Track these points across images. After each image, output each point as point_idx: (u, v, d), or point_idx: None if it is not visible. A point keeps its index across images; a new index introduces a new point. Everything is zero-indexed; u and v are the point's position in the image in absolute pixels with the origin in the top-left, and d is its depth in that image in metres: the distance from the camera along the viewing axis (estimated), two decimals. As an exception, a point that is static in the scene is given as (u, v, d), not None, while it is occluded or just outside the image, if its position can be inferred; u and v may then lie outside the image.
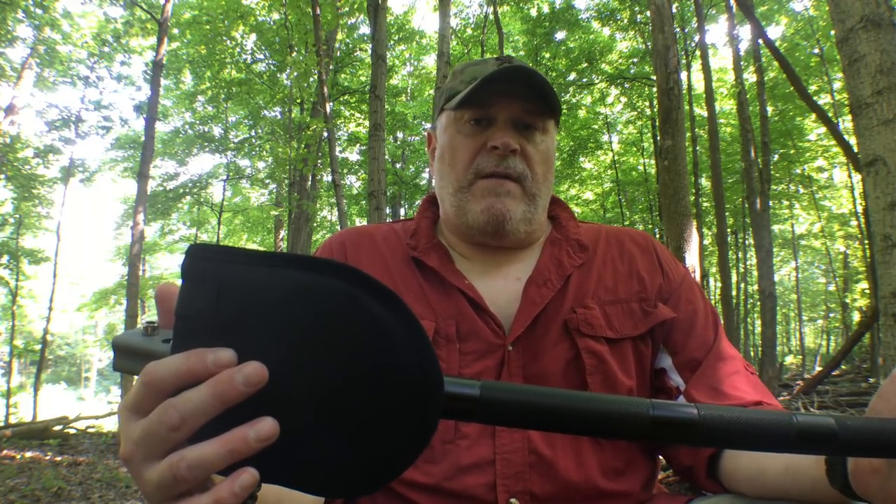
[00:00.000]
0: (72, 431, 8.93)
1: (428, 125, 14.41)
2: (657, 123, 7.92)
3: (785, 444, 0.36)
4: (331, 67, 11.25)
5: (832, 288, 17.46)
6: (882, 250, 2.52)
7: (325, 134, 8.17)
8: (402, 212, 16.58)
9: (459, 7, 13.50)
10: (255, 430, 0.33)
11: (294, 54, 10.88)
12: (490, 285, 0.83)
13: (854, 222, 13.37)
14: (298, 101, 11.83)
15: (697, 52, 10.40)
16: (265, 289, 0.34)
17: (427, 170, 15.81)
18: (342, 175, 12.83)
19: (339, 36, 12.20)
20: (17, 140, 11.26)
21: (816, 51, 11.99)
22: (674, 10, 7.50)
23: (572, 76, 13.12)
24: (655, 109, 9.89)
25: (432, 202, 0.95)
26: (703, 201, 12.69)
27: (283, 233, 13.23)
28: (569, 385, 0.77)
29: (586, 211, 15.84)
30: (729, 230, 12.80)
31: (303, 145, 10.17)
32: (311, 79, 9.46)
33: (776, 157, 12.88)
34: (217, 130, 13.77)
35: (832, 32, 5.20)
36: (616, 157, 15.16)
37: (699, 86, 10.91)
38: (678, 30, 10.47)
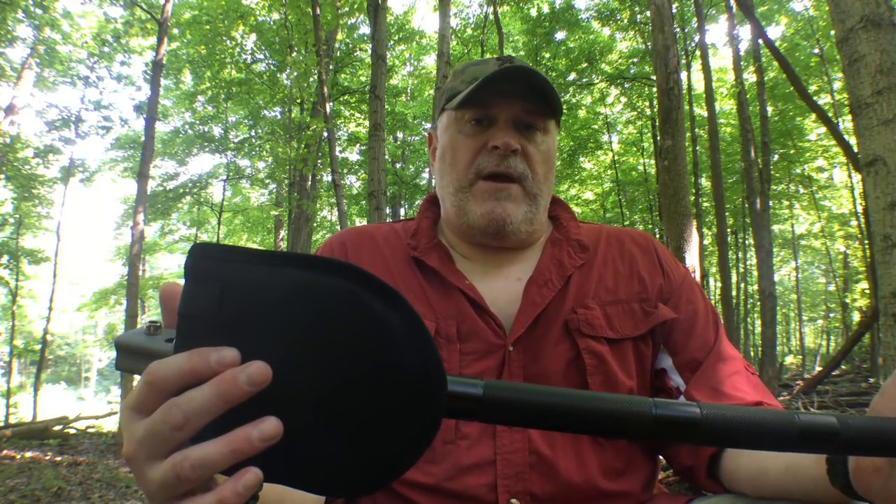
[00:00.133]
0: (72, 431, 8.94)
1: (428, 125, 14.42)
2: (657, 123, 7.92)
3: (787, 444, 0.36)
4: (331, 67, 11.25)
5: (832, 288, 17.46)
6: (882, 250, 2.53)
7: (325, 134, 8.17)
8: (402, 212, 16.58)
9: (459, 7, 13.51)
10: (258, 430, 0.33)
11: (294, 54, 10.88)
12: (491, 285, 0.83)
13: (854, 222, 13.37)
14: (298, 101, 11.82)
15: (697, 52, 10.40)
16: (268, 288, 0.34)
17: (427, 170, 15.82)
18: (342, 175, 12.82)
19: (339, 36, 12.20)
20: (17, 140, 11.25)
21: (816, 51, 11.99)
22: (674, 10, 7.50)
23: (572, 76, 13.12)
24: (655, 109, 9.89)
25: (433, 202, 0.95)
26: (703, 201, 12.69)
27: (283, 233, 13.23)
28: (569, 385, 0.77)
29: (586, 211, 15.84)
30: (729, 230, 12.80)
31: (303, 145, 10.16)
32: (311, 79, 9.46)
33: (776, 157, 12.88)
34: (217, 130, 13.76)
35: (832, 32, 5.20)
36: (616, 157, 15.16)
37: (699, 86, 10.91)
38: (678, 30, 10.47)
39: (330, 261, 0.35)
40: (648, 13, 7.12)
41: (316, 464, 0.35)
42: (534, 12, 12.53)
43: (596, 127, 14.67)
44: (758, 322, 12.42)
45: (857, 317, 14.60)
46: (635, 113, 14.17)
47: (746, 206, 10.79)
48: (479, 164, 0.83)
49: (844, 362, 9.27)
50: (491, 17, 11.83)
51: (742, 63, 10.31)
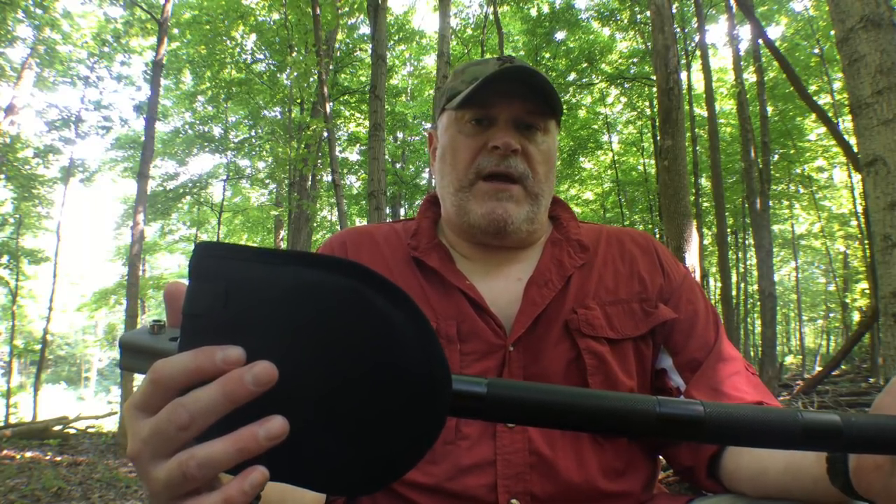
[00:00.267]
0: (72, 431, 8.94)
1: (428, 125, 14.42)
2: (657, 123, 7.92)
3: (790, 442, 0.36)
4: (331, 67, 11.24)
5: (832, 288, 17.46)
6: (882, 250, 2.52)
7: (325, 134, 8.17)
8: (402, 212, 16.58)
9: (459, 7, 13.51)
10: (264, 429, 0.33)
11: (294, 54, 10.88)
12: (491, 286, 0.83)
13: (854, 222, 13.37)
14: (298, 101, 11.82)
15: (697, 52, 10.40)
16: (273, 286, 0.34)
17: (427, 170, 15.82)
18: (342, 175, 12.82)
19: (339, 36, 12.20)
20: (17, 140, 11.25)
21: (816, 51, 11.99)
22: (674, 10, 7.50)
23: (572, 76, 13.11)
24: (655, 109, 9.89)
25: (433, 202, 0.95)
26: (703, 201, 12.68)
27: (283, 233, 13.23)
28: (570, 385, 0.77)
29: (586, 211, 15.84)
30: (729, 230, 12.80)
31: (303, 145, 10.16)
32: (311, 79, 9.46)
33: (776, 157, 12.88)
34: (217, 130, 13.76)
35: (832, 32, 5.20)
36: (616, 157, 15.16)
37: (699, 86, 10.91)
38: (678, 30, 10.47)
39: (335, 259, 0.35)
40: (648, 13, 7.12)
41: (320, 462, 0.35)
42: (534, 12, 12.53)
43: (596, 127, 14.67)
44: (758, 322, 12.42)
45: (857, 317, 14.60)
46: (635, 113, 14.17)
47: (746, 206, 10.79)
48: (480, 164, 0.83)
49: (844, 362, 9.28)
50: (491, 17, 11.83)
51: (742, 63, 10.31)
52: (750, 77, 11.33)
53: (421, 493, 0.73)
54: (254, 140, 13.96)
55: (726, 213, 10.45)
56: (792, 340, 22.73)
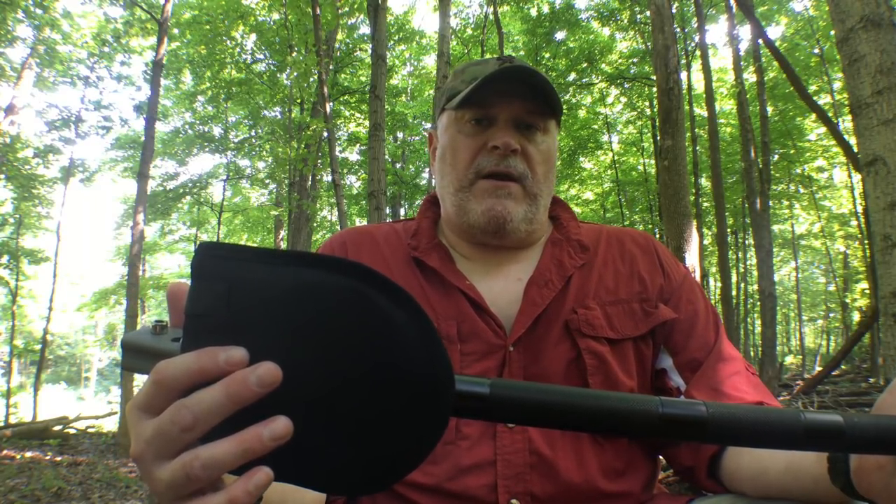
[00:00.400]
0: (72, 431, 8.94)
1: (428, 125, 14.42)
2: (657, 123, 7.92)
3: (793, 442, 0.36)
4: (331, 67, 11.24)
5: (832, 288, 17.46)
6: (882, 250, 2.52)
7: (325, 134, 8.17)
8: (402, 212, 16.58)
9: (459, 7, 13.50)
10: (269, 430, 0.33)
11: (294, 54, 10.87)
12: (491, 286, 0.83)
13: (854, 222, 13.37)
14: (298, 101, 11.82)
15: (697, 52, 10.40)
16: (275, 286, 0.34)
17: (427, 170, 15.82)
18: (342, 175, 12.82)
19: (339, 36, 12.20)
20: (17, 140, 11.25)
21: (816, 51, 11.99)
22: (674, 10, 7.50)
23: (572, 76, 13.11)
24: (655, 109, 9.89)
25: (433, 202, 0.95)
26: (703, 201, 12.69)
27: (283, 233, 13.23)
28: (570, 385, 0.77)
29: (586, 211, 15.84)
30: (729, 230, 12.80)
31: (303, 145, 10.16)
32: (311, 79, 9.46)
33: (776, 157, 12.88)
34: (217, 130, 13.76)
35: (832, 32, 5.20)
36: (616, 157, 15.16)
37: (699, 86, 10.91)
38: (678, 30, 10.47)
39: (337, 259, 0.35)
40: (648, 13, 7.12)
41: (323, 463, 0.35)
42: (534, 12, 12.52)
43: (596, 127, 14.67)
44: (758, 322, 12.42)
45: (857, 317, 14.60)
46: (635, 113, 14.17)
47: (746, 206, 10.79)
48: (479, 163, 0.83)
49: (844, 362, 9.28)
50: (491, 17, 11.83)
51: (742, 63, 10.31)
52: (750, 77, 11.33)
53: (421, 494, 0.73)
54: (254, 140, 13.96)
55: (726, 213, 10.45)
56: (792, 340, 22.74)
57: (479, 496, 0.71)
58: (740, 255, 15.22)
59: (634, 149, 15.55)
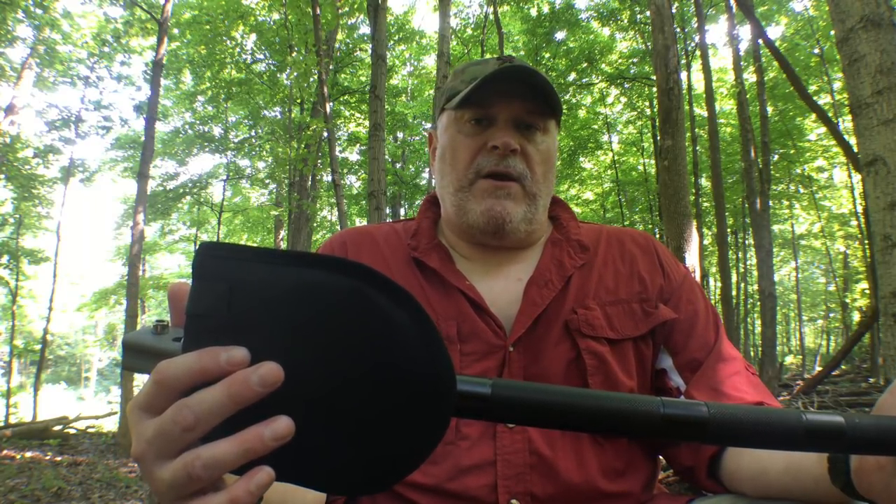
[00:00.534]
0: (72, 431, 8.94)
1: (428, 125, 14.42)
2: (657, 123, 7.92)
3: (794, 443, 0.36)
4: (331, 67, 11.24)
5: (832, 288, 17.45)
6: (882, 250, 2.52)
7: (325, 134, 8.17)
8: (402, 212, 16.58)
9: (459, 7, 13.50)
10: (270, 430, 0.33)
11: (294, 54, 10.87)
12: (491, 286, 0.83)
13: (854, 222, 13.37)
14: (298, 101, 11.82)
15: (697, 52, 10.40)
16: (276, 286, 0.34)
17: (427, 170, 15.82)
18: (342, 175, 12.82)
19: (339, 36, 12.19)
20: (17, 140, 11.25)
21: (816, 51, 11.99)
22: (674, 10, 7.50)
23: (572, 76, 13.11)
24: (655, 109, 9.89)
25: (433, 202, 0.95)
26: (703, 201, 12.68)
27: (283, 233, 13.23)
28: (570, 386, 0.77)
29: (586, 211, 15.84)
30: (729, 230, 12.80)
31: (303, 145, 10.16)
32: (311, 79, 9.46)
33: (776, 157, 12.88)
34: (217, 130, 13.75)
35: (832, 32, 5.20)
36: (616, 157, 15.16)
37: (699, 86, 10.91)
38: (678, 30, 10.47)
39: (338, 259, 0.35)
40: (648, 13, 7.12)
41: (324, 463, 0.36)
42: (534, 12, 12.52)
43: (596, 127, 14.67)
44: (758, 322, 12.42)
45: (857, 317, 14.60)
46: (635, 113, 14.17)
47: (746, 206, 10.79)
48: (479, 163, 0.83)
49: (844, 362, 9.28)
50: (491, 17, 11.83)
51: (742, 63, 10.31)
52: (750, 77, 11.33)
53: (421, 494, 0.73)
54: (254, 140, 13.96)
55: (726, 213, 10.45)
56: (792, 340, 22.73)
57: (479, 496, 0.71)
58: (740, 255, 15.22)
59: (634, 149, 15.55)
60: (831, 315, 19.68)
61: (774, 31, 14.01)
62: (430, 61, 16.72)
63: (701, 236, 10.96)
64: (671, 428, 0.35)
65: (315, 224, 14.63)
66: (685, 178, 5.41)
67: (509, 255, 0.87)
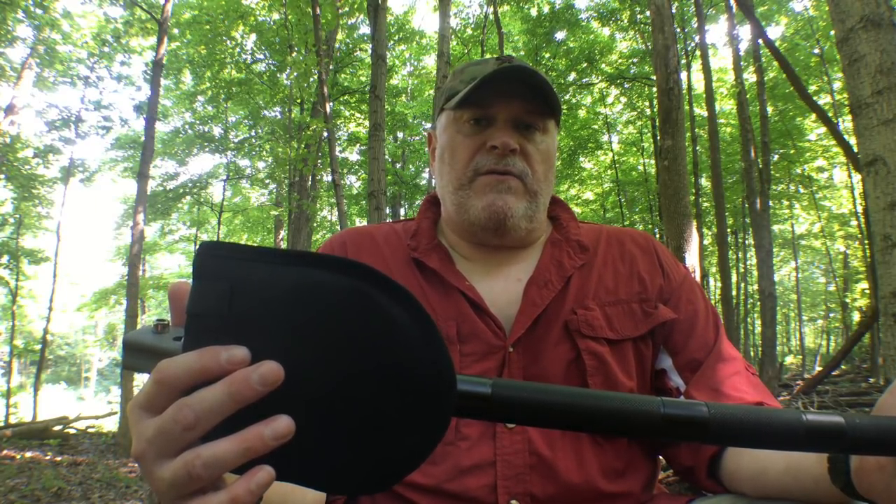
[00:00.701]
0: (72, 431, 8.94)
1: (428, 125, 14.42)
2: (657, 123, 7.92)
3: (794, 443, 0.36)
4: (331, 67, 11.24)
5: (832, 288, 17.45)
6: (882, 250, 2.52)
7: (325, 134, 8.17)
8: (402, 212, 16.58)
9: (459, 7, 13.50)
10: (271, 429, 0.33)
11: (294, 54, 10.87)
12: (491, 286, 0.83)
13: (854, 222, 13.37)
14: (298, 101, 11.82)
15: (697, 52, 10.40)
16: (277, 286, 0.34)
17: (427, 170, 15.82)
18: (342, 175, 12.83)
19: (339, 36, 12.19)
20: (17, 140, 11.25)
21: (816, 51, 11.99)
22: (674, 10, 7.50)
23: (572, 76, 13.12)
24: (655, 109, 9.89)
25: (433, 202, 0.95)
26: (703, 201, 12.69)
27: (283, 233, 13.23)
28: (569, 386, 0.77)
29: (586, 211, 15.84)
30: (729, 230, 12.79)
31: (303, 145, 10.16)
32: (311, 79, 9.46)
33: (776, 157, 12.88)
34: (217, 130, 13.76)
35: (832, 32, 5.20)
36: (616, 157, 15.16)
37: (699, 86, 10.92)
38: (678, 30, 10.47)
39: (339, 259, 0.35)
40: (648, 13, 7.12)
41: (324, 462, 0.35)
42: (534, 12, 12.52)
43: (596, 127, 14.67)
44: (758, 322, 12.42)
45: (857, 317, 14.60)
46: (635, 113, 14.17)
47: (746, 206, 10.79)
48: (478, 163, 0.83)
49: (844, 362, 9.28)
50: (491, 17, 11.83)
51: (742, 63, 10.31)
52: (750, 77, 11.33)
53: (421, 494, 0.73)
54: (254, 140, 13.96)
55: (726, 213, 10.45)
56: (792, 340, 22.73)
57: (479, 497, 0.71)
58: (740, 255, 15.22)
59: (634, 149, 15.55)
60: (831, 315, 19.69)
61: (774, 31, 14.03)
62: (430, 61, 16.73)
63: (701, 236, 10.96)
64: (671, 428, 0.35)
65: (315, 224, 14.62)
66: (685, 178, 5.41)
67: (509, 256, 0.87)
